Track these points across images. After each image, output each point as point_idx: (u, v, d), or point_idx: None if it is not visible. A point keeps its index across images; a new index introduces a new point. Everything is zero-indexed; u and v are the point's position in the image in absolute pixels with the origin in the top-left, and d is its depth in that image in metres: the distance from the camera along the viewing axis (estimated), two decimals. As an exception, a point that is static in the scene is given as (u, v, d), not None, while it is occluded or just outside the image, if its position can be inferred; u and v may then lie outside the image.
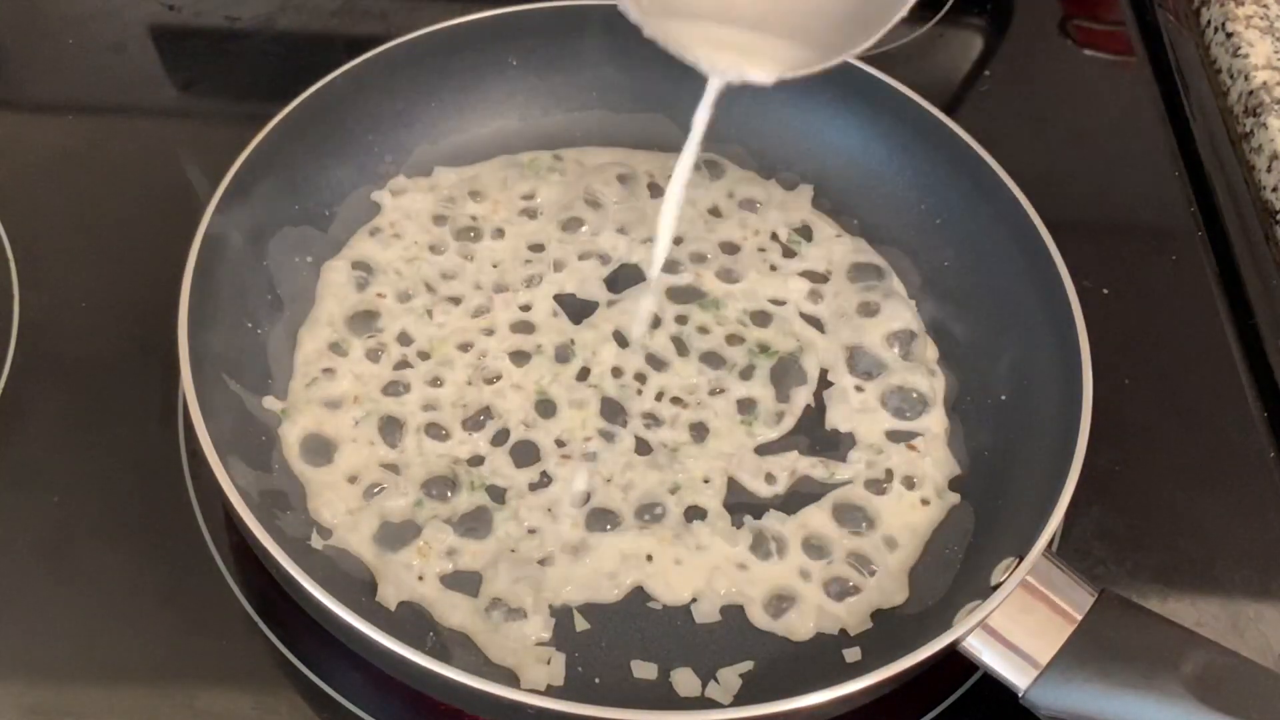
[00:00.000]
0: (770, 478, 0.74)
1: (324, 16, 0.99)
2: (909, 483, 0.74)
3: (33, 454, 0.74)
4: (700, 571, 0.70)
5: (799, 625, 0.69)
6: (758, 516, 0.73)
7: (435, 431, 0.75)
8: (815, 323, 0.81)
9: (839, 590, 0.70)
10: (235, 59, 0.96)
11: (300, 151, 0.80)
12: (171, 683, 0.67)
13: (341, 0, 0.99)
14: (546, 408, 0.76)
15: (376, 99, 0.84)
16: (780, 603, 0.70)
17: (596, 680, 0.67)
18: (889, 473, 0.75)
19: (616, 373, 0.78)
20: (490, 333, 0.79)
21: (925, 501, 0.74)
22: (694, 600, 0.70)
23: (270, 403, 0.74)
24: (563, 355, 0.78)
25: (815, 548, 0.72)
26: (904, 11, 0.66)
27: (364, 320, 0.79)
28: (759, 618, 0.69)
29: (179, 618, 0.69)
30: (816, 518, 0.73)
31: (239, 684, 0.67)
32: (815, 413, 0.77)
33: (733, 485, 0.74)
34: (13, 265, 0.81)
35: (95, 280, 0.81)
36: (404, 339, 0.78)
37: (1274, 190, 0.90)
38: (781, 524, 0.72)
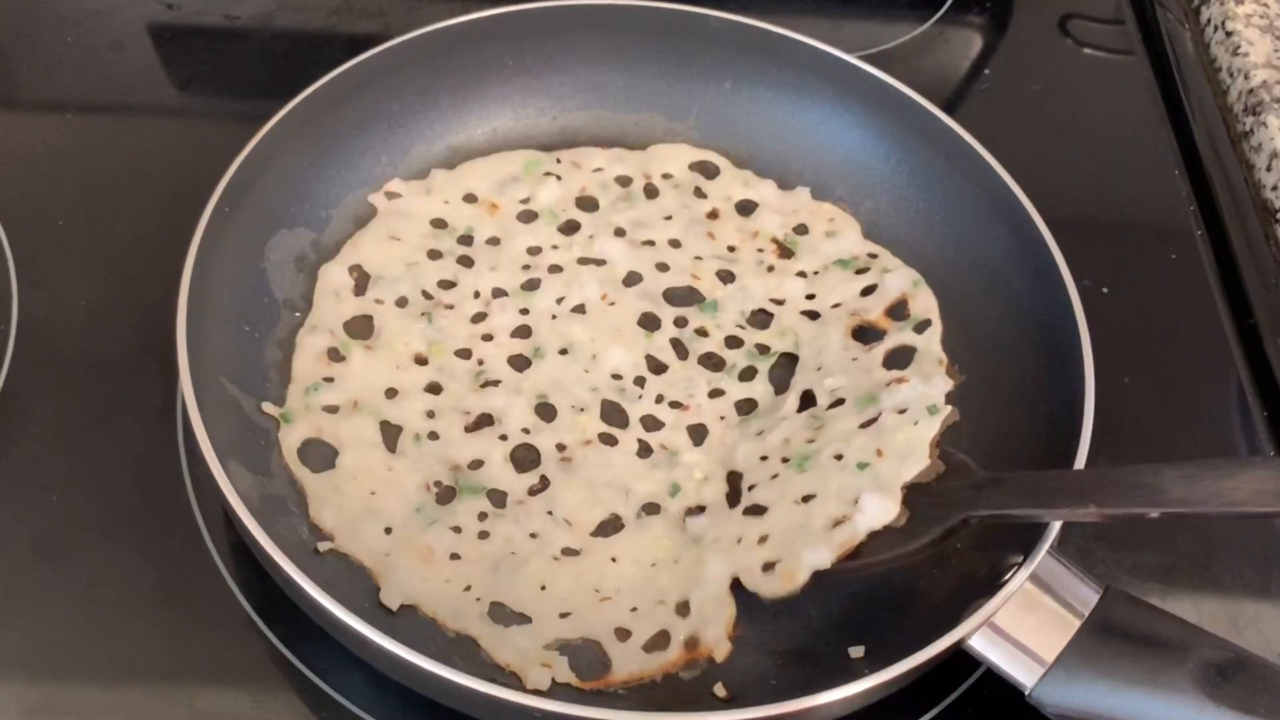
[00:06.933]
0: (770, 478, 0.74)
1: (322, 16, 0.99)
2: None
3: (32, 453, 0.74)
4: (700, 572, 0.70)
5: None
6: (757, 516, 0.73)
7: (435, 436, 0.74)
8: (814, 323, 0.81)
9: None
10: (234, 58, 0.96)
11: (298, 152, 0.80)
12: (171, 683, 0.67)
13: (340, -1, 1.00)
14: (546, 411, 0.76)
15: (374, 99, 0.84)
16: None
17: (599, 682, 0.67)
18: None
19: (616, 376, 0.78)
20: (489, 338, 0.79)
21: (926, 501, 0.74)
22: (694, 600, 0.69)
23: (269, 407, 0.73)
24: (562, 359, 0.78)
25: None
26: None
27: (362, 325, 0.78)
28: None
29: (179, 617, 0.69)
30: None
31: (239, 684, 0.67)
32: (814, 413, 0.77)
33: (733, 485, 0.74)
34: (11, 265, 0.81)
35: (95, 280, 0.81)
36: (402, 344, 0.78)
37: (1274, 189, 0.90)
38: (781, 523, 0.72)
